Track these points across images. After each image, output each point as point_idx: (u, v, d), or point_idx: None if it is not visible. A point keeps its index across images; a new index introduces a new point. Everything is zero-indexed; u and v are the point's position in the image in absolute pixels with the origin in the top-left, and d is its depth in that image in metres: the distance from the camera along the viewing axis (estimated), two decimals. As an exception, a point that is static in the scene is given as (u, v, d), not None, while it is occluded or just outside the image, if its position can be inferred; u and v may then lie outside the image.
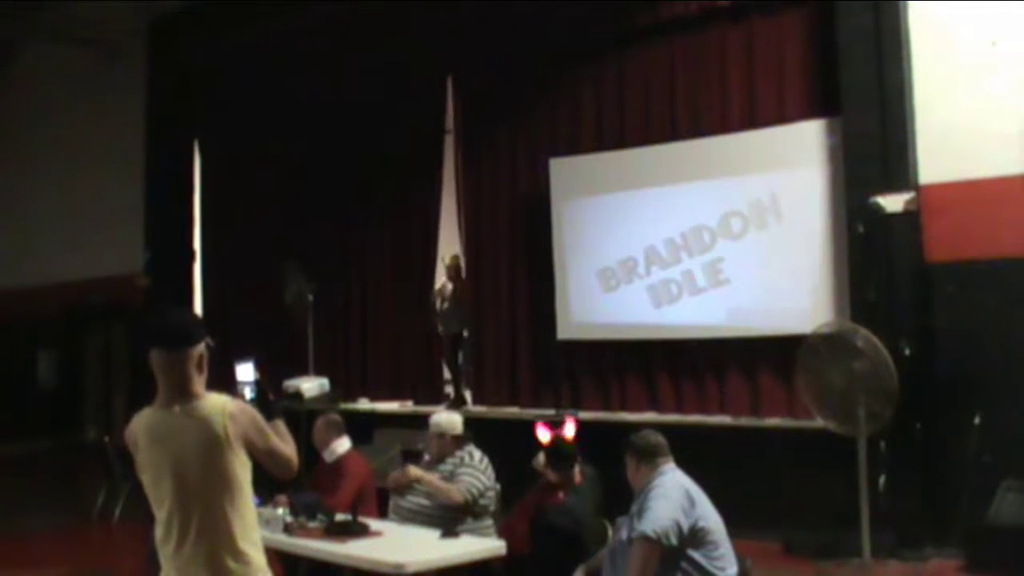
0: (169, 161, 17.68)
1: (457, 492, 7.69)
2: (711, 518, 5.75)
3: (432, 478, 7.77)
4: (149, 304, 17.53)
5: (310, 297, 14.10)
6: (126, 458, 13.58)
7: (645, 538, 5.54)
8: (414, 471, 7.82)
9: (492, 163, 13.39)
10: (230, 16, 15.41)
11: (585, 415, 11.32)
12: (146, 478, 4.40)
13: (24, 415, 20.20)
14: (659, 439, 5.98)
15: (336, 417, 8.62)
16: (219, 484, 4.36)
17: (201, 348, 4.45)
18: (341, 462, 8.33)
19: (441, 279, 13.45)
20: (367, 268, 14.74)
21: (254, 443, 4.41)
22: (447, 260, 13.51)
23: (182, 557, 4.33)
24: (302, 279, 14.15)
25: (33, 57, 21.32)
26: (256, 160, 16.09)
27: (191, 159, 17.69)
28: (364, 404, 13.80)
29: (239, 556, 4.39)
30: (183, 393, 4.38)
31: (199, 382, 4.42)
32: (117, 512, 13.02)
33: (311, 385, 13.53)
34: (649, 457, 5.91)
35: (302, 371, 13.84)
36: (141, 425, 4.42)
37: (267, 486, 7.68)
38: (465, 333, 13.51)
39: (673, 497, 5.69)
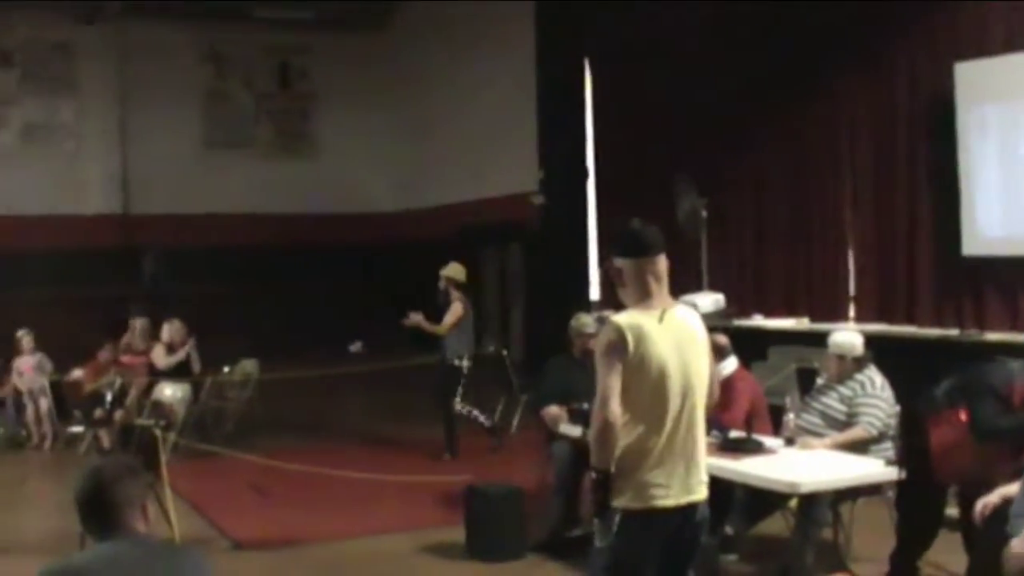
0: (560, 81, 17.93)
1: (862, 431, 7.46)
2: None
3: (833, 442, 7.49)
4: (544, 223, 17.92)
5: (703, 212, 13.98)
6: (527, 371, 14.04)
7: None
8: (815, 443, 7.48)
9: (891, 68, 12.74)
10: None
11: (991, 336, 10.73)
12: (641, 379, 4.54)
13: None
14: None
15: (720, 339, 8.48)
16: (705, 385, 4.75)
17: None
18: (730, 381, 8.24)
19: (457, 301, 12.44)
20: (762, 181, 14.39)
21: None
22: (448, 272, 12.61)
23: (675, 455, 4.60)
24: (695, 194, 14.04)
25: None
26: (647, 75, 16.01)
27: (582, 77, 17.85)
28: (758, 320, 13.56)
29: (703, 453, 4.77)
30: (666, 297, 4.71)
31: None
32: (515, 423, 13.46)
33: (706, 301, 13.44)
34: None
35: (696, 287, 13.78)
36: (644, 326, 4.57)
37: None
38: (465, 363, 12.45)
39: None
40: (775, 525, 7.82)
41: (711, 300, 13.45)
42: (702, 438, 4.76)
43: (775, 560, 7.57)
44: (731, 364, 8.37)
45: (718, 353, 8.33)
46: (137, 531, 3.63)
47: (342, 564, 8.47)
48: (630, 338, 4.51)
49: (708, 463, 6.84)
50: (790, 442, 7.43)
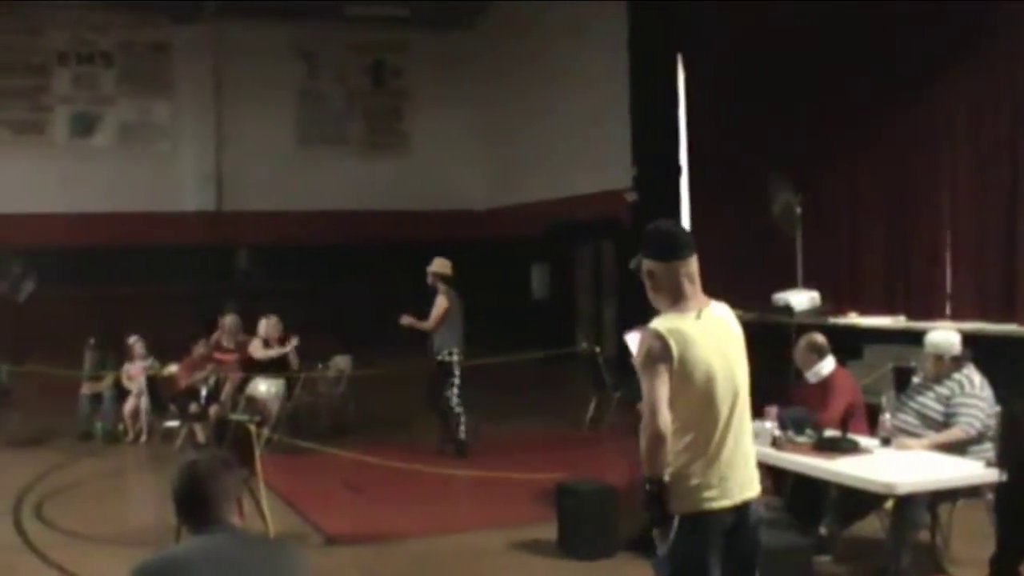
0: (653, 76, 17.83)
1: (960, 432, 7.34)
2: None
3: (931, 442, 7.37)
4: (636, 219, 17.83)
5: (798, 209, 13.84)
6: (620, 368, 14.02)
7: None
8: (912, 443, 7.37)
9: (990, 61, 12.45)
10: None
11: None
12: (687, 383, 4.48)
13: (519, 327, 21.19)
14: None
15: (819, 338, 8.38)
16: (747, 380, 4.69)
17: None
18: (828, 381, 8.15)
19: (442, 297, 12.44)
20: (858, 177, 14.17)
21: None
22: (433, 267, 12.63)
23: (726, 456, 4.54)
24: (790, 190, 13.91)
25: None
26: (740, 71, 15.87)
27: (675, 73, 17.75)
28: (854, 318, 13.37)
29: (752, 450, 4.73)
30: (700, 296, 4.63)
31: None
32: (606, 421, 13.41)
33: (801, 299, 13.32)
34: None
35: (791, 284, 13.65)
36: (684, 329, 4.51)
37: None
38: (455, 357, 12.47)
39: None
40: (870, 526, 7.69)
41: (806, 298, 13.31)
42: (750, 434, 4.73)
43: (870, 562, 7.47)
44: (829, 364, 8.25)
45: (816, 352, 8.24)
46: (232, 525, 3.67)
47: (434, 560, 8.49)
48: (673, 344, 4.46)
49: (803, 462, 6.85)
50: (886, 442, 7.31)
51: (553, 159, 21.28)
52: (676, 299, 4.59)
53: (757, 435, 7.20)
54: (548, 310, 21.40)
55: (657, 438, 4.41)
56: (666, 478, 4.48)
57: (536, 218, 21.56)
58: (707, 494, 4.49)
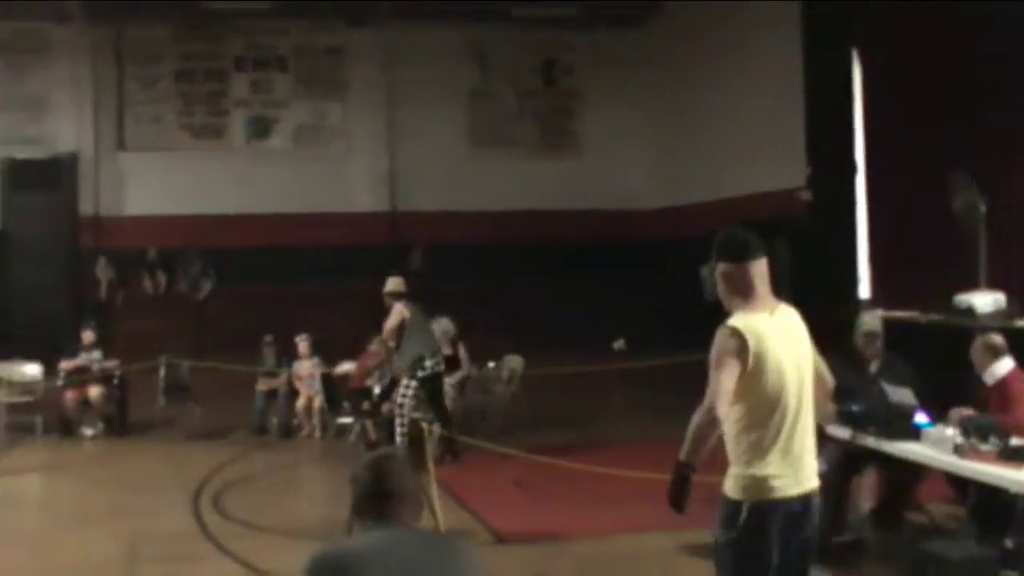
0: (828, 74, 17.52)
1: None
2: None
3: None
4: (811, 219, 17.54)
5: (982, 208, 13.39)
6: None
7: None
8: None
9: None
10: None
11: None
12: (762, 378, 4.67)
13: (689, 328, 20.96)
14: None
15: (996, 338, 8.11)
16: (811, 384, 4.86)
17: None
18: (1006, 383, 7.86)
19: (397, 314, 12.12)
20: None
21: None
22: (388, 287, 12.36)
23: (796, 447, 4.75)
24: (973, 188, 13.46)
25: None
26: (918, 66, 15.43)
27: (850, 70, 17.39)
28: (1044, 322, 12.88)
29: (813, 442, 4.88)
30: (772, 298, 4.86)
31: None
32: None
33: (985, 301, 12.88)
34: None
35: (973, 286, 13.21)
36: (759, 327, 4.72)
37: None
38: (428, 372, 12.07)
39: None
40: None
41: (990, 299, 12.86)
42: (812, 428, 4.88)
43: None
44: (1007, 364, 7.98)
45: (992, 353, 7.96)
46: (409, 521, 3.70)
47: (603, 561, 8.45)
48: (750, 339, 4.65)
49: (987, 472, 6.59)
50: (1080, 453, 6.98)
51: (726, 158, 21.07)
52: (749, 298, 4.83)
53: (937, 442, 6.98)
54: (719, 311, 21.11)
55: (711, 424, 4.64)
56: (744, 470, 4.77)
57: (710, 217, 21.32)
58: (781, 483, 4.72)
